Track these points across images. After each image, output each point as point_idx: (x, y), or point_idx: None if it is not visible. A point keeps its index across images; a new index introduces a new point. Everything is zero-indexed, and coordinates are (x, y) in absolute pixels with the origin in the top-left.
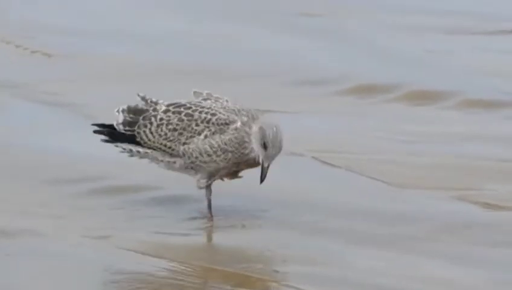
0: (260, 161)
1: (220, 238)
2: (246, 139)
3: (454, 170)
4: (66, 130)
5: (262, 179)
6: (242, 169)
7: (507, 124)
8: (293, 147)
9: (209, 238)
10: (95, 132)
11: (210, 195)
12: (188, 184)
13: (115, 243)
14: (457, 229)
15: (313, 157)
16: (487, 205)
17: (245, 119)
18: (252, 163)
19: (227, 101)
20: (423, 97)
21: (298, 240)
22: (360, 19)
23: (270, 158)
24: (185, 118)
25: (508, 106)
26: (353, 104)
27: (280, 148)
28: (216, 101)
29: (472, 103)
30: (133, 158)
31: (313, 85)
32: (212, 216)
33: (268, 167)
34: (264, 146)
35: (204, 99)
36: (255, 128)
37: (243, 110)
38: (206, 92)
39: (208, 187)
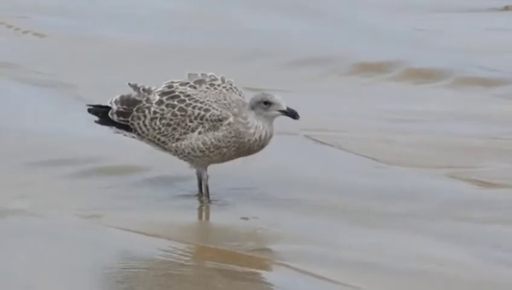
0: (282, 111)
1: (213, 217)
2: (242, 129)
3: (446, 148)
4: (57, 111)
5: (295, 115)
6: (249, 155)
7: (499, 102)
8: (286, 126)
9: (202, 217)
10: (89, 111)
11: (207, 180)
12: (180, 165)
13: (106, 222)
14: (449, 206)
15: (305, 136)
16: (480, 183)
17: (236, 110)
18: (256, 148)
19: (222, 80)
20: (416, 76)
21: (291, 218)
22: None
23: (282, 102)
24: (178, 112)
25: (499, 84)
26: (346, 83)
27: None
28: (211, 85)
29: (464, 81)
30: (125, 139)
31: (306, 65)
32: (208, 197)
33: (287, 108)
34: (268, 103)
35: (199, 82)
36: (249, 113)
37: (232, 102)
38: (201, 72)
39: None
